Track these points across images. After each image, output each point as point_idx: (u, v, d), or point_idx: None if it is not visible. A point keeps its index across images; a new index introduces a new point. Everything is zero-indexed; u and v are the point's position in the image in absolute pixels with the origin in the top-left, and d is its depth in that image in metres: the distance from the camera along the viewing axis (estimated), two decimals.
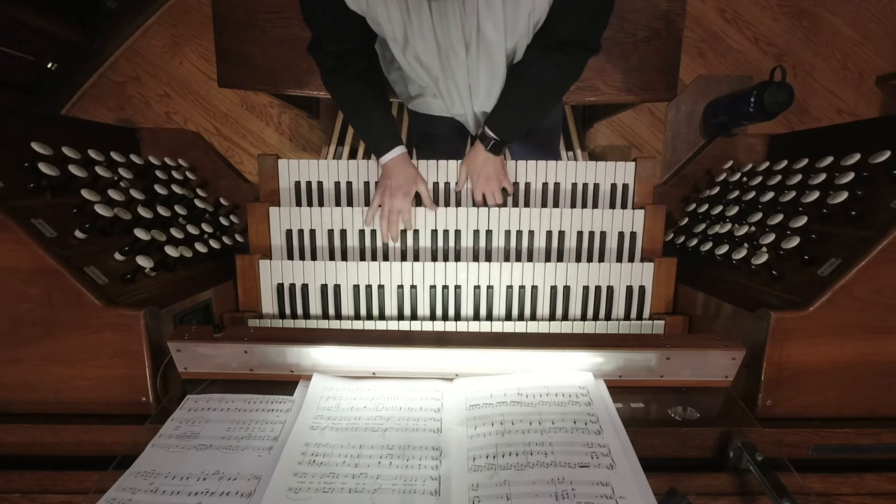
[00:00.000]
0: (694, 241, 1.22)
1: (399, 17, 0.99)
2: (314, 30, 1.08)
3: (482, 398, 0.80)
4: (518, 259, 1.20)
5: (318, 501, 0.61)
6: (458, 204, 1.28)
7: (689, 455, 0.78)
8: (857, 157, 1.00)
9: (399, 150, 1.19)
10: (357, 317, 1.15)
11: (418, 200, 1.22)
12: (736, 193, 1.23)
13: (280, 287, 1.14)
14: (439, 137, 1.45)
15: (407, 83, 1.32)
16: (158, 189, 1.19)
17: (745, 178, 1.27)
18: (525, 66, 1.11)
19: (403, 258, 1.21)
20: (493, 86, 1.16)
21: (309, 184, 1.27)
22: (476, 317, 1.15)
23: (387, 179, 1.18)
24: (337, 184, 1.27)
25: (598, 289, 1.14)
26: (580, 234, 1.20)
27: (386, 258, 1.21)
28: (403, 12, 0.99)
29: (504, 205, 1.25)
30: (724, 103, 1.84)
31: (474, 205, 1.26)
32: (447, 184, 1.27)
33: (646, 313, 1.17)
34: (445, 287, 1.14)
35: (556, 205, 1.28)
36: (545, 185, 1.27)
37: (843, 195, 0.94)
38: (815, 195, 1.00)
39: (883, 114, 2.73)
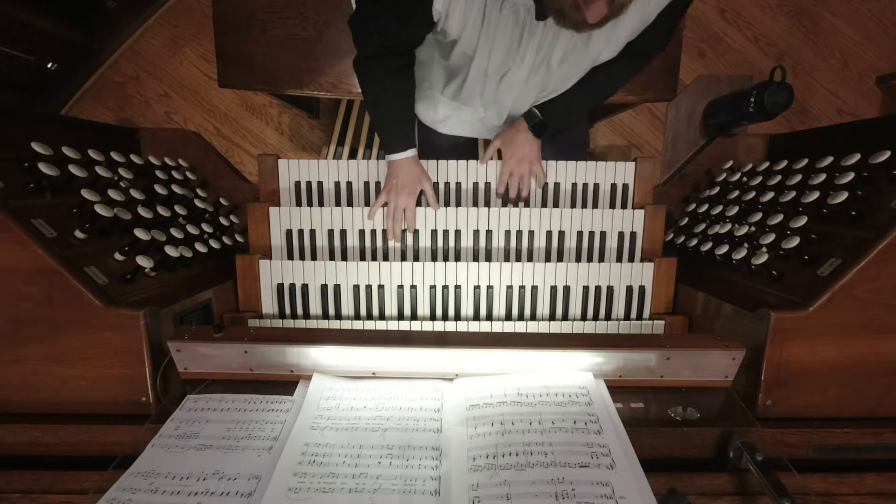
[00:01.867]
0: (694, 241, 1.22)
1: (506, 46, 1.02)
2: (369, 17, 1.03)
3: (482, 398, 0.80)
4: (518, 259, 1.20)
5: (318, 501, 0.61)
6: (458, 204, 1.27)
7: (689, 455, 0.78)
8: (857, 157, 1.00)
9: (410, 153, 1.17)
10: (357, 317, 1.15)
11: (418, 201, 1.21)
12: (736, 193, 1.23)
13: (280, 287, 1.14)
14: (444, 139, 1.44)
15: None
16: (158, 189, 1.19)
17: (745, 178, 1.27)
18: (593, 71, 1.14)
19: (403, 258, 1.21)
20: (533, 103, 1.21)
21: (309, 184, 1.27)
22: (476, 317, 1.15)
23: (393, 178, 1.17)
24: (337, 184, 1.27)
25: (598, 289, 1.14)
26: (580, 234, 1.20)
27: (386, 258, 1.20)
28: (514, 40, 1.01)
29: (528, 198, 1.25)
30: (724, 103, 1.84)
31: (502, 201, 1.26)
32: (447, 184, 1.27)
33: (646, 313, 1.17)
34: (445, 287, 1.14)
35: (555, 205, 1.28)
36: (545, 184, 1.27)
37: (843, 195, 0.94)
38: (815, 195, 1.00)
39: (883, 114, 2.73)
